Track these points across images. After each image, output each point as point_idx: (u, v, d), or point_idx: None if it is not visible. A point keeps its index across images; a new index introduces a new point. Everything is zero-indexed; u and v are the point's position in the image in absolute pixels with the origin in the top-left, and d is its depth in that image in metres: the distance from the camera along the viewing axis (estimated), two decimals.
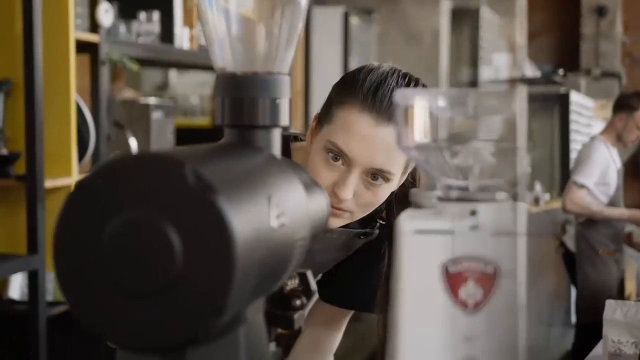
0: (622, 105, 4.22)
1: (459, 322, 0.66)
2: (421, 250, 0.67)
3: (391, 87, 1.21)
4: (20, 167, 2.37)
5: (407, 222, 0.68)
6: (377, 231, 1.39)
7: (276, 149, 0.78)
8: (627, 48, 9.55)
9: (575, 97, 6.80)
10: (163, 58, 3.10)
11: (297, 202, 0.74)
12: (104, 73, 2.64)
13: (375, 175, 1.22)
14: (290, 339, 1.19)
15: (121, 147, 2.83)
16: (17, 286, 2.63)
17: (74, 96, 2.47)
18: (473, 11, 6.81)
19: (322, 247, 1.36)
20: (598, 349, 2.09)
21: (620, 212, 4.26)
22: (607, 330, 1.93)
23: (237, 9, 0.78)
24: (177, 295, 0.60)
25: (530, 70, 5.86)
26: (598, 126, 8.12)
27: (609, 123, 4.37)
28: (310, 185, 0.84)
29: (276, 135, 0.78)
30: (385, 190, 1.25)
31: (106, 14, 2.61)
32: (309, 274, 0.85)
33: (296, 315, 0.85)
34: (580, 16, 9.14)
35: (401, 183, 1.30)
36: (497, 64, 5.42)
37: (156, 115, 3.00)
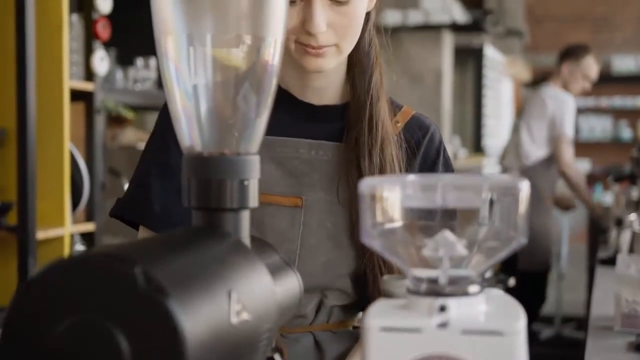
0: (569, 54, 4.32)
1: None
2: (388, 349, 0.64)
3: None
4: (12, 218, 2.35)
5: (374, 319, 0.65)
6: None
7: (244, 231, 0.76)
8: (531, 6, 9.64)
9: (489, 52, 6.84)
10: (160, 104, 3.08)
11: (263, 292, 0.71)
12: (99, 121, 2.63)
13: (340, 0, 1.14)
14: None
15: (116, 194, 2.81)
16: None
17: (67, 145, 2.45)
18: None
19: (315, 178, 1.24)
20: (609, 309, 1.89)
21: (592, 202, 4.40)
22: (620, 288, 1.76)
23: (205, 85, 0.76)
24: None
25: (460, 15, 5.81)
26: (506, 82, 8.18)
27: (555, 72, 4.44)
28: (280, 267, 0.81)
29: (245, 218, 0.76)
30: (358, 7, 1.16)
31: (102, 62, 2.60)
32: (277, 358, 0.81)
33: None
34: None
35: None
36: (426, 8, 5.38)
37: None
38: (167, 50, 0.75)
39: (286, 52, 1.19)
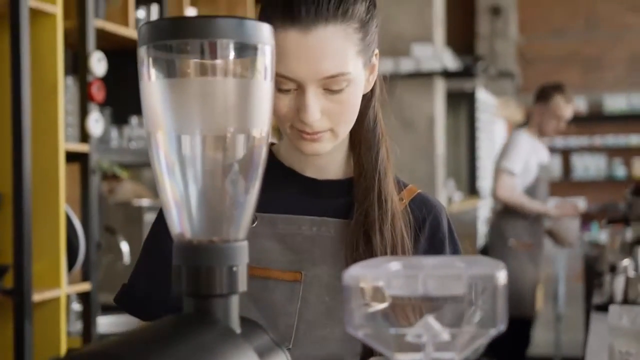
0: (539, 96, 4.37)
1: None
2: None
3: None
4: (8, 281, 2.37)
5: None
6: None
7: (234, 315, 0.78)
8: (521, 48, 9.76)
9: (481, 95, 6.93)
10: None
11: None
12: (94, 181, 2.66)
13: (333, 89, 1.13)
14: None
15: (112, 252, 2.83)
16: None
17: (63, 207, 2.47)
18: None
19: (317, 254, 1.23)
20: (604, 359, 1.87)
21: (546, 208, 4.33)
22: (612, 340, 1.75)
23: (195, 176, 0.78)
24: None
25: (451, 62, 5.89)
26: (500, 124, 8.26)
27: (531, 116, 4.49)
28: (270, 348, 0.83)
29: (234, 302, 0.78)
30: (353, 94, 1.16)
31: (96, 124, 2.63)
32: None
33: None
34: (475, 15, 9.36)
35: (372, 81, 1.23)
36: (417, 56, 5.47)
37: (149, 217, 3.01)
38: (158, 143, 0.78)
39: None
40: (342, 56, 1.13)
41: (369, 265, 0.72)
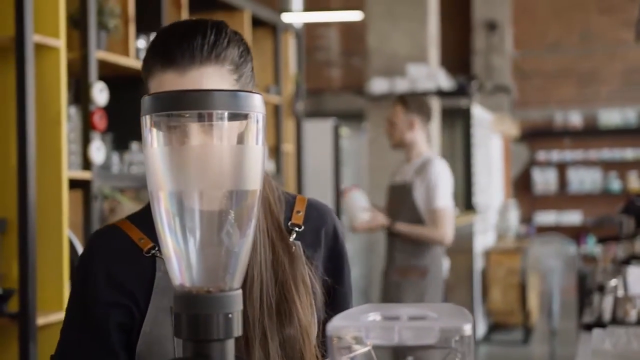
0: None
1: None
2: None
3: (181, 30, 1.21)
4: (13, 305, 2.44)
5: None
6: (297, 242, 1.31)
7: (229, 358, 0.86)
8: (517, 63, 9.87)
9: (476, 111, 7.02)
10: None
11: None
12: (96, 207, 2.74)
13: None
14: None
15: None
16: None
17: (66, 232, 2.55)
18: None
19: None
20: None
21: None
22: None
23: (193, 231, 0.86)
24: None
25: (445, 82, 5.95)
26: (496, 139, 8.34)
27: None
28: None
29: (230, 346, 0.86)
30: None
31: (98, 152, 2.72)
32: None
33: None
34: (471, 31, 9.48)
35: None
36: (413, 76, 5.50)
37: None
38: (160, 201, 0.86)
39: None
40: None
41: (350, 316, 0.80)
